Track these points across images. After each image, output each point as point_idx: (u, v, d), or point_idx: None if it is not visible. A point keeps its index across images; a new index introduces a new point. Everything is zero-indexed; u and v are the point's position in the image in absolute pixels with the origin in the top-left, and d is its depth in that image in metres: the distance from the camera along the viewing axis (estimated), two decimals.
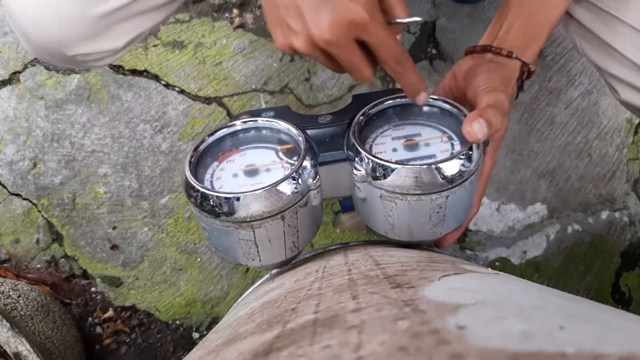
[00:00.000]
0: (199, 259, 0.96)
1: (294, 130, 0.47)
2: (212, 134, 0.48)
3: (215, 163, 0.47)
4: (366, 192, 0.45)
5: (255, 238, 0.44)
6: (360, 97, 0.51)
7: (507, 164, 0.99)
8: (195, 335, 0.97)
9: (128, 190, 0.95)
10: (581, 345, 0.17)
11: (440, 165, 0.41)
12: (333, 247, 0.63)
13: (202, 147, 0.47)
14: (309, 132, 0.48)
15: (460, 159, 0.42)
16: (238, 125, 0.48)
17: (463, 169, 0.42)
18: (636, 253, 1.01)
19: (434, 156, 0.45)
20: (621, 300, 1.01)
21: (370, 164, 0.43)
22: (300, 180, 0.43)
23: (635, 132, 1.01)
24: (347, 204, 0.51)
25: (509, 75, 0.48)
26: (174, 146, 0.96)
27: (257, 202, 0.42)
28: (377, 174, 0.42)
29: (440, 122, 0.47)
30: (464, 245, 1.00)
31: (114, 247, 0.95)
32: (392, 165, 0.42)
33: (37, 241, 0.95)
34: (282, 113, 0.50)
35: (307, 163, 0.44)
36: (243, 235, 0.44)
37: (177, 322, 0.96)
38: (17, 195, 0.95)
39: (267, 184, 0.42)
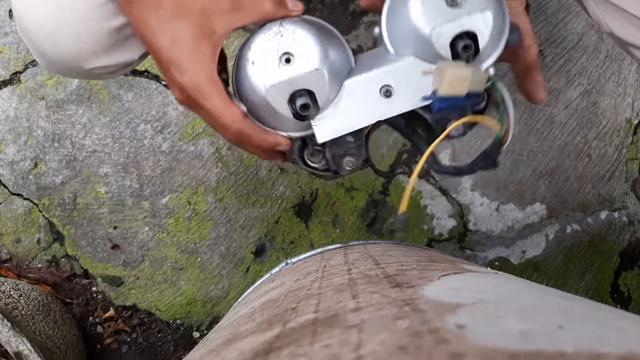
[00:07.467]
0: (200, 259, 0.96)
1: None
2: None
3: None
4: None
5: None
6: None
7: (506, 164, 0.99)
8: (196, 334, 0.97)
9: (129, 190, 0.96)
10: (580, 345, 0.18)
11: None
12: (333, 247, 0.63)
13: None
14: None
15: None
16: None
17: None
18: (635, 252, 1.02)
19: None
20: (620, 299, 1.01)
21: None
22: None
23: (634, 132, 1.02)
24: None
25: None
26: (174, 146, 0.96)
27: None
28: None
29: None
30: (463, 245, 1.00)
31: (114, 246, 0.95)
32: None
33: (38, 241, 0.95)
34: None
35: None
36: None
37: (178, 321, 0.97)
38: (18, 195, 0.95)
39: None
